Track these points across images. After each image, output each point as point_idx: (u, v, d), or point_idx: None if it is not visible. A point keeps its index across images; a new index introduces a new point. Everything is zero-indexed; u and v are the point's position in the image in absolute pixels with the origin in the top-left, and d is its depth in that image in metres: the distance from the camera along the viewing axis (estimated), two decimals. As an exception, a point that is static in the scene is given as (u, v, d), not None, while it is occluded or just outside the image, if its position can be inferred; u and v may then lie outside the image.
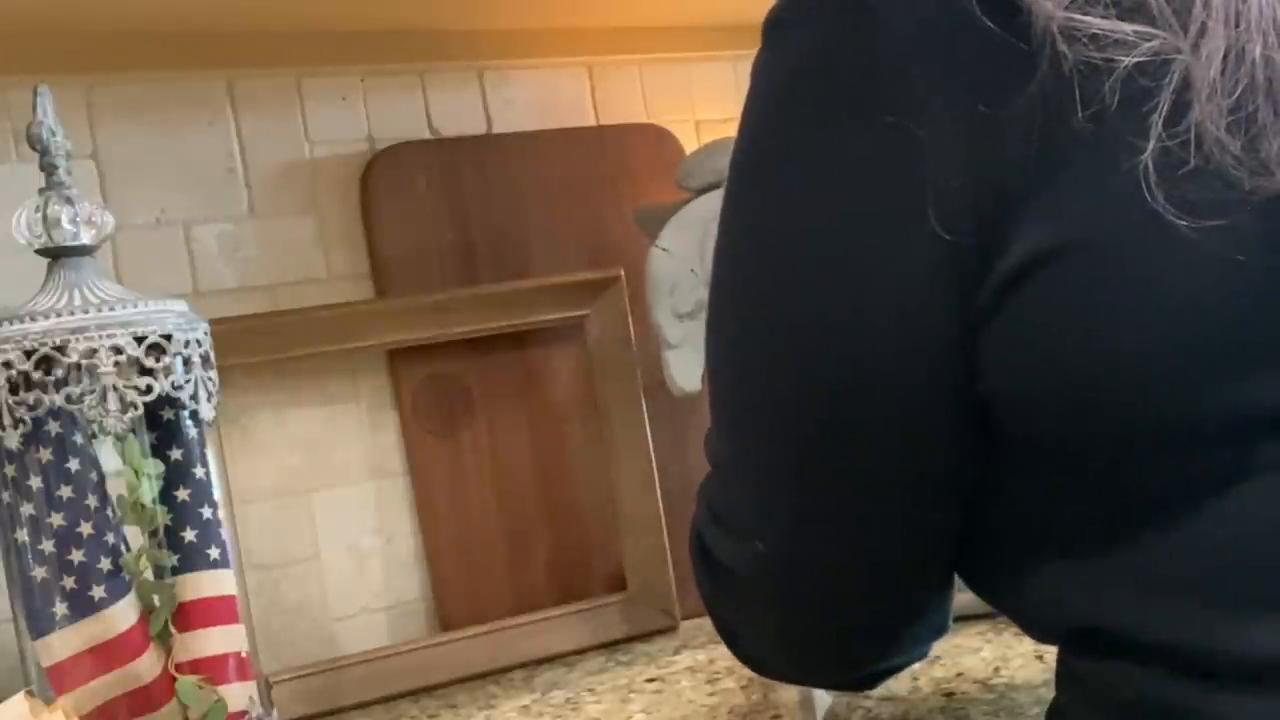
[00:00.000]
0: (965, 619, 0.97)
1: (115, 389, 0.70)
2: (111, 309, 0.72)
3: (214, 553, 0.75)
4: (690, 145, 1.14)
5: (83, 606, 0.71)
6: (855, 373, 0.52)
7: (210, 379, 0.75)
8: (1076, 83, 0.46)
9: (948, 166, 0.49)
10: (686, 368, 1.02)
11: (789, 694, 0.88)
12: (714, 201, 1.02)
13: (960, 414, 0.52)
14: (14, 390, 0.70)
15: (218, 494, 0.76)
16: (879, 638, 0.63)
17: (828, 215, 0.52)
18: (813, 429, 0.54)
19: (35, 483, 0.71)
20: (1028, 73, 0.47)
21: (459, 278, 1.10)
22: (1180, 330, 0.46)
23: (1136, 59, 0.46)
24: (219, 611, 0.75)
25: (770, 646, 0.65)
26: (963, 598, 0.97)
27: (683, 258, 1.01)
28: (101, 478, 0.73)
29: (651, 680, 0.96)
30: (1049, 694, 0.79)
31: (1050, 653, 0.88)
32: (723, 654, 1.00)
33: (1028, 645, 0.91)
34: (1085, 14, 0.46)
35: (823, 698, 0.86)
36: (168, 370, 0.72)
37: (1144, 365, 0.47)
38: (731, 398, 0.59)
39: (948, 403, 0.52)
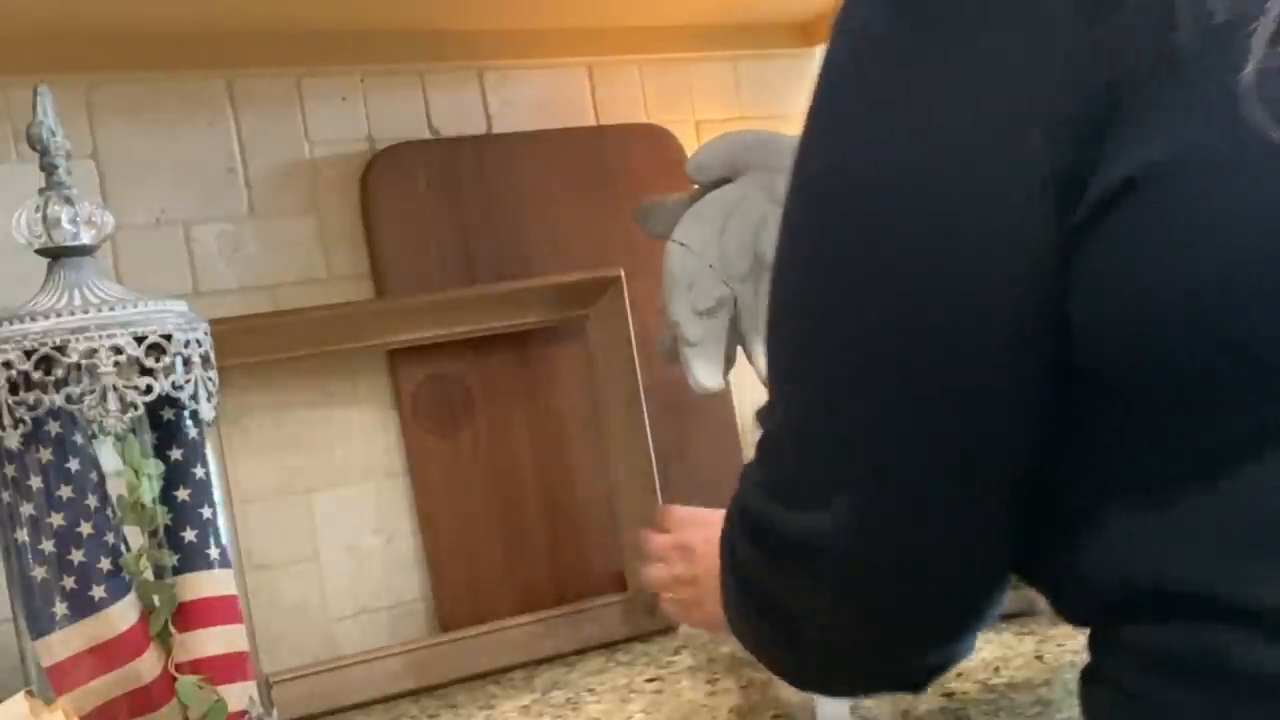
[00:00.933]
0: (965, 619, 0.97)
1: (115, 389, 0.70)
2: (111, 309, 0.72)
3: (214, 553, 0.75)
4: (690, 145, 1.14)
5: (83, 606, 0.71)
6: (950, 296, 0.52)
7: (210, 379, 0.75)
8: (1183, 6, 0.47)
9: (1055, 79, 0.49)
10: (708, 366, 1.01)
11: (789, 694, 0.88)
12: (730, 195, 1.02)
13: (1047, 347, 0.52)
14: (14, 390, 0.70)
15: (218, 494, 0.76)
16: (946, 613, 0.60)
17: (933, 126, 0.52)
18: (904, 362, 0.53)
19: (35, 483, 0.71)
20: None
21: (458, 277, 1.10)
22: (1276, 246, 0.47)
23: None
24: (219, 611, 0.75)
25: (829, 642, 0.62)
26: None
27: (701, 253, 1.01)
28: (101, 478, 0.73)
29: (651, 680, 0.96)
30: (1049, 694, 0.79)
31: (1050, 652, 0.88)
32: (722, 654, 1.00)
33: (1028, 645, 0.91)
34: None
35: (824, 703, 0.86)
36: (168, 370, 0.72)
37: (1239, 280, 0.47)
38: (809, 349, 0.57)
39: (1040, 330, 0.51)
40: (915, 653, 0.63)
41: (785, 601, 0.61)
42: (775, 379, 0.61)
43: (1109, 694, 0.54)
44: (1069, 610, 0.60)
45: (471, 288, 1.09)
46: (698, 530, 0.93)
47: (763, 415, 0.63)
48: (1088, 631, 0.58)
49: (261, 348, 0.99)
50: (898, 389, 0.54)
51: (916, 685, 0.69)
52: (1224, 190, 0.47)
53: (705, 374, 1.01)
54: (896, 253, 0.53)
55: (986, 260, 0.51)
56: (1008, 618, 0.96)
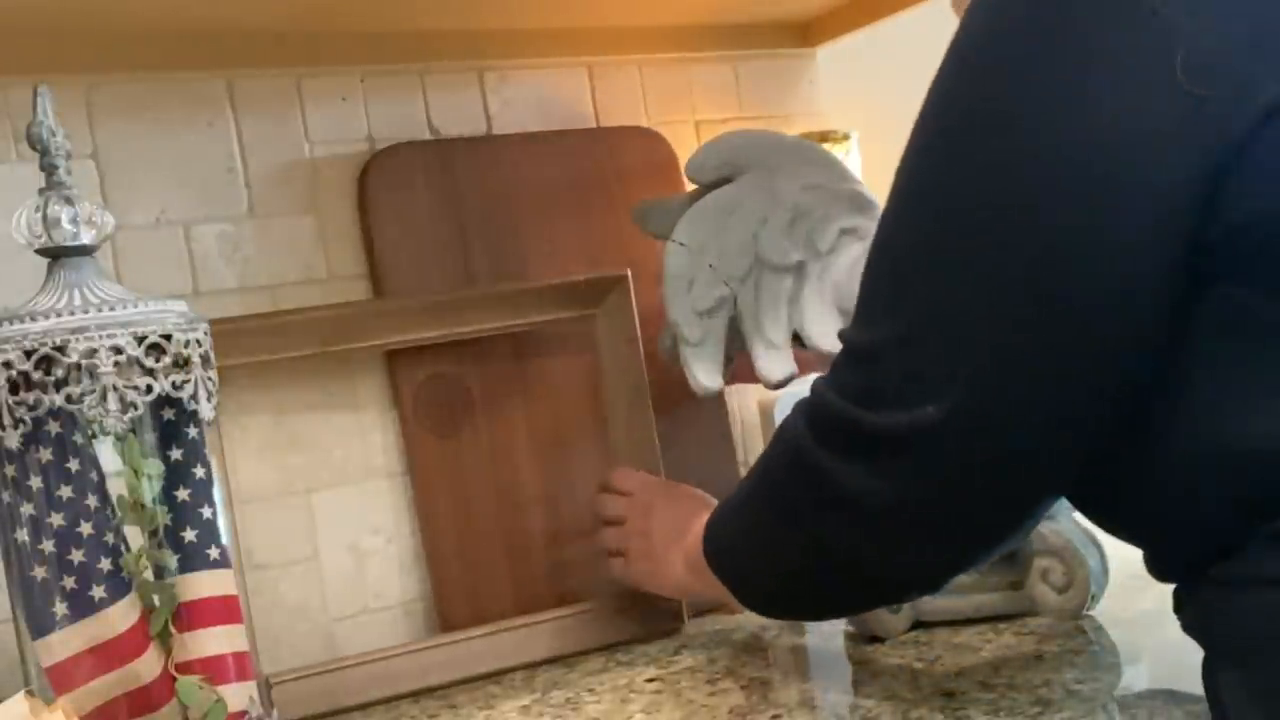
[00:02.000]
0: (966, 621, 0.97)
1: (115, 389, 0.70)
2: (111, 309, 0.72)
3: (214, 553, 0.75)
4: (690, 145, 1.14)
5: (83, 606, 0.71)
6: (1092, 216, 0.56)
7: (210, 379, 0.75)
8: None
9: (1199, 26, 0.54)
10: (708, 366, 1.01)
11: (789, 694, 0.88)
12: (730, 195, 1.02)
13: (1177, 270, 0.57)
14: (14, 390, 0.70)
15: (218, 494, 0.76)
16: (1004, 518, 0.66)
17: (1070, 77, 0.56)
18: (1034, 272, 0.58)
19: (35, 483, 0.71)
20: None
21: (456, 278, 1.10)
22: None
23: None
24: (219, 611, 0.75)
25: (872, 542, 0.67)
26: (964, 600, 0.97)
27: (700, 252, 1.01)
28: (101, 478, 0.73)
29: (651, 680, 0.96)
30: (1049, 694, 0.79)
31: (1050, 652, 0.88)
32: (723, 654, 1.00)
33: (1028, 645, 0.91)
34: None
35: (824, 699, 0.86)
36: (168, 370, 0.72)
37: None
38: (935, 260, 0.61)
39: (1173, 251, 0.56)
40: (952, 558, 0.69)
41: (852, 501, 0.66)
42: (878, 294, 0.65)
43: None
44: (1189, 536, 0.62)
45: (474, 289, 1.09)
46: (654, 493, 1.02)
47: (850, 333, 0.67)
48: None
49: (261, 348, 0.99)
50: (1026, 296, 0.58)
51: (922, 593, 0.79)
52: None
53: (705, 374, 1.01)
54: (1041, 187, 0.57)
55: (1127, 186, 0.56)
56: (1008, 618, 0.96)
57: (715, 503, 0.90)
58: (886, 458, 0.64)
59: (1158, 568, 0.66)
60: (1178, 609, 0.64)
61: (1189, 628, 0.63)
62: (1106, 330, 0.58)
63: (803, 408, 0.71)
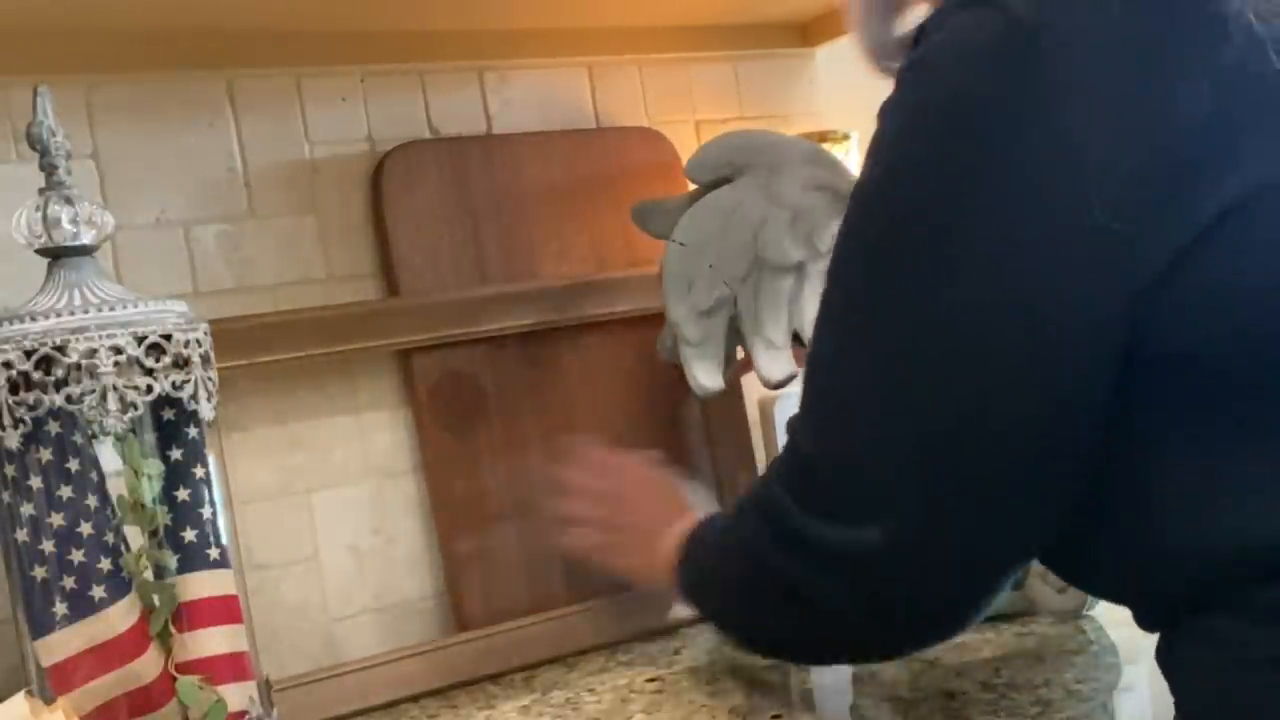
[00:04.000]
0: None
1: (115, 389, 0.70)
2: (111, 309, 0.72)
3: (214, 553, 0.75)
4: (690, 145, 1.14)
5: (83, 606, 0.71)
6: (1020, 351, 0.57)
7: (210, 379, 0.75)
8: (1270, 45, 0.53)
9: (1116, 158, 0.54)
10: (708, 366, 1.01)
11: (788, 694, 0.88)
12: (730, 195, 1.02)
13: (1108, 383, 0.57)
14: (14, 390, 0.70)
15: (218, 494, 0.76)
16: (965, 613, 0.66)
17: (996, 221, 0.57)
18: (975, 397, 0.58)
19: (35, 483, 0.71)
20: (1215, 43, 0.53)
21: (470, 276, 1.10)
22: None
23: None
24: (219, 611, 0.75)
25: (860, 627, 0.67)
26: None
27: (700, 252, 1.01)
28: (101, 478, 0.73)
29: (651, 680, 0.96)
30: (1049, 694, 0.79)
31: (1050, 652, 0.88)
32: (723, 654, 1.00)
33: (1028, 645, 0.91)
34: None
35: (823, 699, 0.86)
36: (168, 370, 0.72)
37: None
38: (871, 377, 0.62)
39: (1101, 379, 0.57)
40: (922, 639, 0.70)
41: (810, 600, 0.66)
42: (820, 402, 0.66)
43: (1221, 658, 0.57)
44: (1151, 598, 0.63)
45: (491, 287, 1.10)
46: (622, 480, 1.01)
47: (799, 429, 0.67)
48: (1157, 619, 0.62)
49: (271, 348, 0.99)
50: (963, 421, 0.59)
51: (903, 655, 0.81)
52: None
53: (705, 374, 1.01)
54: (968, 323, 0.58)
55: (1052, 323, 0.56)
56: (1008, 618, 0.96)
57: (687, 504, 0.91)
58: (829, 564, 0.65)
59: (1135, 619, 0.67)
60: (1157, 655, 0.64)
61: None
62: (1038, 458, 0.59)
63: (755, 495, 0.71)
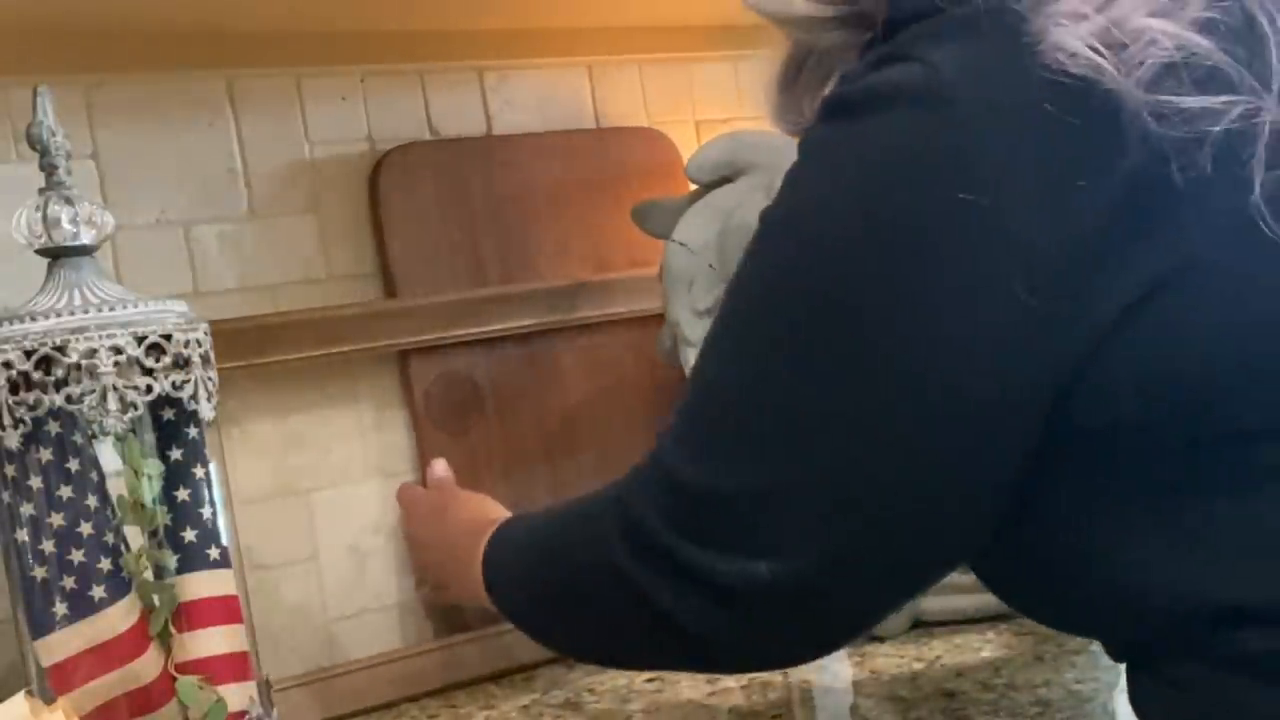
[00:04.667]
0: (966, 621, 0.97)
1: (115, 389, 0.70)
2: (111, 309, 0.72)
3: (214, 553, 0.75)
4: (690, 145, 1.14)
5: (83, 606, 0.71)
6: (933, 421, 0.56)
7: (210, 379, 0.75)
8: (1170, 153, 0.52)
9: (1033, 237, 0.53)
10: None
11: (789, 694, 0.88)
12: (730, 194, 1.02)
13: (1027, 453, 0.56)
14: (14, 390, 0.70)
15: (218, 494, 0.76)
16: (851, 637, 0.70)
17: (913, 290, 0.55)
18: (881, 464, 0.57)
19: (35, 483, 0.71)
20: (1114, 150, 0.52)
21: (469, 277, 1.10)
22: None
23: (1227, 125, 0.52)
24: (219, 611, 0.75)
25: (722, 649, 0.65)
26: (965, 600, 0.97)
27: (701, 252, 1.01)
28: (101, 478, 0.73)
29: (651, 680, 0.96)
30: (1049, 694, 0.79)
31: (1050, 652, 0.88)
32: (723, 654, 1.00)
33: (1028, 645, 0.91)
34: (1171, 94, 0.52)
35: (823, 699, 0.86)
36: (168, 370, 0.72)
37: (1259, 366, 0.54)
38: (778, 425, 0.60)
39: (1023, 440, 0.56)
40: (785, 663, 0.73)
41: (667, 618, 0.63)
42: (712, 428, 0.63)
43: (1185, 699, 0.57)
44: (1112, 639, 0.63)
45: (489, 288, 1.09)
46: (414, 520, 1.01)
47: (675, 450, 0.64)
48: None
49: (270, 349, 0.99)
50: (870, 476, 0.57)
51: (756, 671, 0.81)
52: (1246, 287, 0.54)
53: (705, 374, 1.01)
54: (868, 381, 0.57)
55: (975, 393, 0.55)
56: (1008, 618, 0.96)
57: (489, 507, 0.91)
58: (710, 598, 0.62)
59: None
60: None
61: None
62: (942, 517, 0.58)
63: (612, 509, 0.66)
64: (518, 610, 0.79)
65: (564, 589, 0.72)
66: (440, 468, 1.03)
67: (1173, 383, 0.54)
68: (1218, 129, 0.52)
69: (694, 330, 1.01)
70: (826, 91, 0.64)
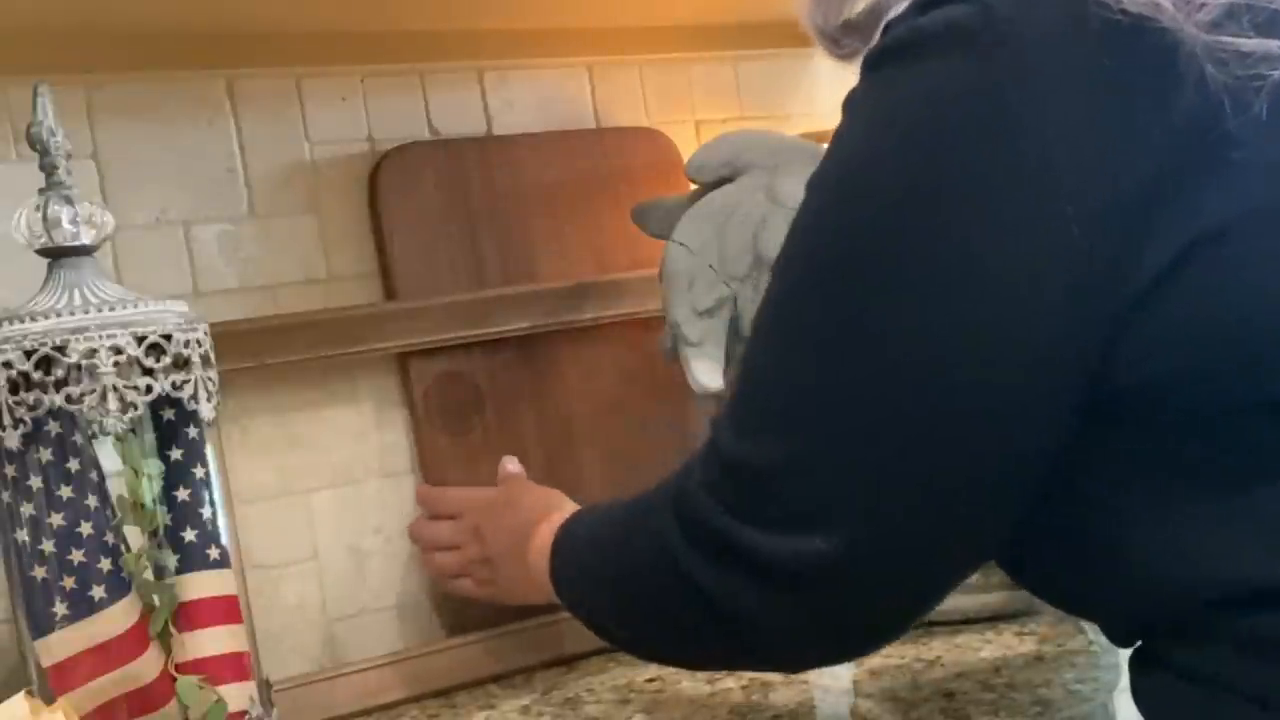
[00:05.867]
0: (966, 621, 0.97)
1: (115, 389, 0.70)
2: (111, 309, 0.72)
3: (214, 553, 0.75)
4: (690, 145, 1.14)
5: (83, 606, 0.71)
6: (980, 370, 0.55)
7: (210, 379, 0.75)
8: (1226, 98, 0.51)
9: (1087, 179, 0.52)
10: (708, 366, 1.01)
11: (789, 694, 0.88)
12: (730, 195, 1.02)
13: (1074, 410, 0.55)
14: (14, 390, 0.70)
15: (218, 494, 0.76)
16: (908, 622, 0.65)
17: (967, 238, 0.54)
18: (931, 421, 0.56)
19: (35, 483, 0.71)
20: (1169, 92, 0.51)
21: (469, 278, 1.10)
22: None
23: None
24: (219, 611, 0.75)
25: (796, 637, 0.64)
26: (965, 600, 0.97)
27: (700, 252, 1.01)
28: (101, 478, 0.73)
29: (651, 680, 0.96)
30: (1049, 694, 0.79)
31: (1050, 652, 0.88)
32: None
33: (1028, 645, 0.91)
34: (1231, 35, 0.51)
35: (823, 699, 0.86)
36: (168, 370, 0.72)
37: None
38: (826, 392, 0.59)
39: (1072, 395, 0.55)
40: (861, 650, 0.69)
41: (727, 608, 0.63)
42: (761, 404, 0.62)
43: (1191, 690, 0.56)
44: (1124, 621, 0.62)
45: (489, 290, 1.09)
46: (478, 513, 0.97)
47: (729, 431, 0.63)
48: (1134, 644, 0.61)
49: (270, 351, 0.99)
50: (920, 434, 0.56)
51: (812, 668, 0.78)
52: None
53: (705, 374, 1.01)
54: (921, 332, 0.55)
55: (1022, 346, 0.54)
56: (1008, 618, 0.96)
57: (557, 500, 0.88)
58: (767, 581, 0.61)
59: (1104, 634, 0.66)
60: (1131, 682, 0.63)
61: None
62: (995, 474, 0.57)
63: (669, 496, 0.66)
64: (582, 606, 0.79)
65: (625, 583, 0.72)
66: (512, 464, 1.01)
67: (1215, 342, 0.53)
68: (1276, 75, 0.51)
69: (694, 330, 1.01)
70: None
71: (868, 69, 0.59)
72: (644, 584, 0.69)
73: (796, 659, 0.70)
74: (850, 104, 0.61)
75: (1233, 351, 0.53)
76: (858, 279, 0.58)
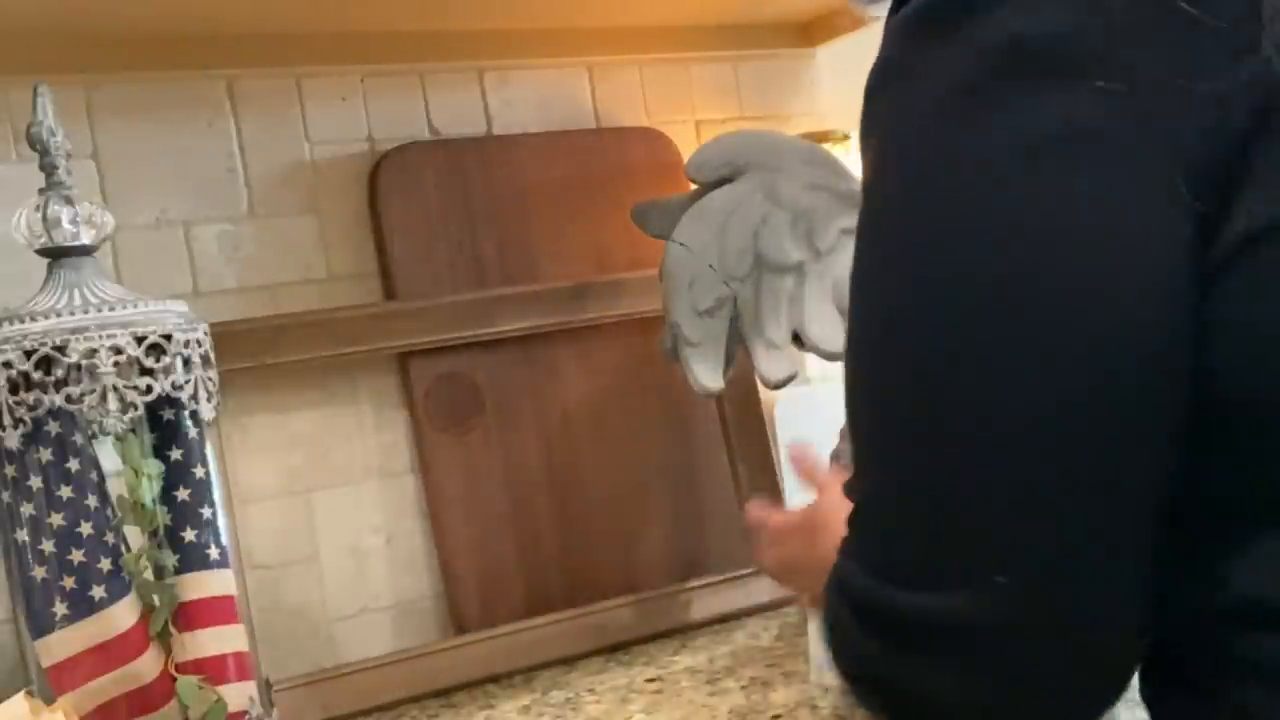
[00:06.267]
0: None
1: (115, 389, 0.70)
2: (111, 309, 0.72)
3: (214, 553, 0.75)
4: (690, 145, 1.14)
5: (83, 606, 0.71)
6: (1105, 350, 0.50)
7: (210, 379, 0.75)
8: None
9: (1183, 134, 0.48)
10: (708, 366, 1.01)
11: (789, 694, 0.88)
12: (730, 194, 1.02)
13: (1186, 384, 0.50)
14: (14, 390, 0.70)
15: (218, 494, 0.76)
16: (1101, 679, 0.56)
17: (1060, 195, 0.49)
18: (1049, 428, 0.50)
19: (35, 483, 0.71)
20: (1251, 47, 0.47)
21: (469, 277, 1.10)
22: None
23: None
24: (219, 611, 0.75)
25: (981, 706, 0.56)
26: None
27: (700, 253, 1.01)
28: (101, 478, 0.73)
29: (651, 680, 0.96)
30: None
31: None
32: (722, 654, 1.00)
33: (1028, 645, 0.90)
34: None
35: (824, 699, 0.86)
36: (168, 370, 0.72)
37: None
38: (934, 422, 0.52)
39: (1184, 372, 0.50)
40: (1089, 693, 0.57)
41: (903, 684, 0.56)
42: (876, 453, 0.55)
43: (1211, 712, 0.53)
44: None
45: (488, 290, 1.09)
46: (793, 540, 0.84)
47: (855, 490, 0.57)
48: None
49: (270, 352, 0.99)
50: (1044, 458, 0.50)
51: None
52: None
53: (705, 374, 1.01)
54: (1042, 314, 0.50)
55: (1139, 311, 0.49)
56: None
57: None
58: (934, 648, 0.53)
59: None
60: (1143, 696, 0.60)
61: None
62: (1130, 472, 0.51)
63: (834, 581, 0.58)
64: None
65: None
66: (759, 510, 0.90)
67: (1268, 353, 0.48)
68: None
69: (694, 330, 1.01)
70: None
71: (907, 32, 0.53)
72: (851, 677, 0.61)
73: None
74: (881, 72, 0.54)
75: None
76: (962, 261, 0.52)
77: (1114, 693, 0.56)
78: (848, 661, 0.59)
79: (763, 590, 1.11)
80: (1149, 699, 0.57)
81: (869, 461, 0.56)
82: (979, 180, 0.51)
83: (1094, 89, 0.49)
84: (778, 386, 1.00)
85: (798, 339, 1.00)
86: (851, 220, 0.97)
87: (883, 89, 0.54)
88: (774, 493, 1.14)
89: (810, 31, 1.29)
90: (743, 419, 1.16)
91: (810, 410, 1.09)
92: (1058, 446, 0.50)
